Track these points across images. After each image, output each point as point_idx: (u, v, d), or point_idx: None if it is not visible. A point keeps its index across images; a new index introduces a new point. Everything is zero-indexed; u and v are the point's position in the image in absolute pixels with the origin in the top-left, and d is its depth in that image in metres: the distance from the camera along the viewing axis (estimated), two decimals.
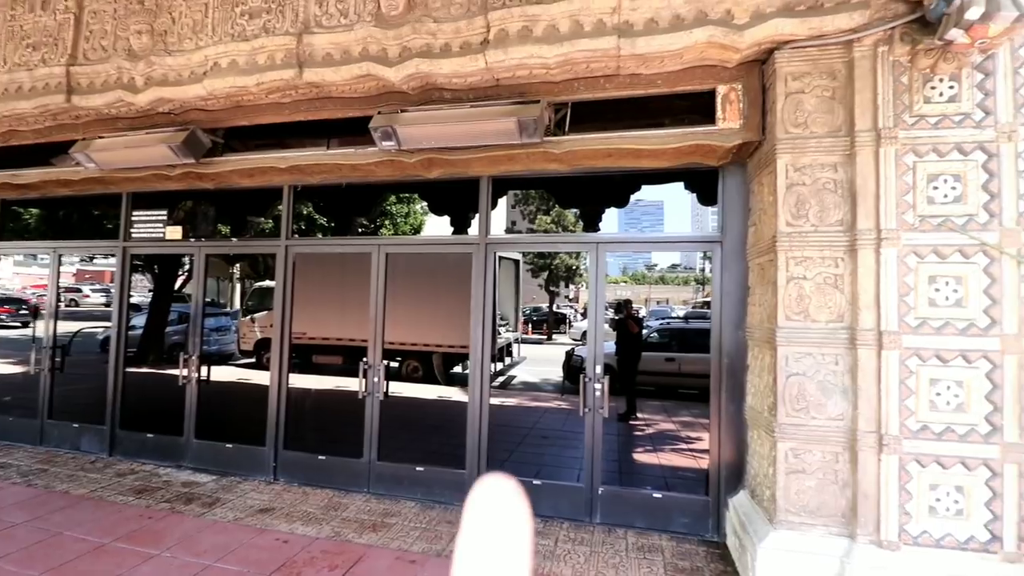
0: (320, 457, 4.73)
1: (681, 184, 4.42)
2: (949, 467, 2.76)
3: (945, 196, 2.85)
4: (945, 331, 2.80)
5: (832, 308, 3.00)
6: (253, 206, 5.44)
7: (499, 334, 11.63)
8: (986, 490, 2.73)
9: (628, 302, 8.85)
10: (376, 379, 4.61)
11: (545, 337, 20.81)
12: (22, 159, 5.42)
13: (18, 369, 6.47)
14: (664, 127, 3.74)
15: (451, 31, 3.61)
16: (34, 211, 6.49)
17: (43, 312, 5.86)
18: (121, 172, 4.90)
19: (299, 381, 5.06)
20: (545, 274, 21.94)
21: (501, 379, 11.67)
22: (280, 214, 5.05)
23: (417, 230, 13.92)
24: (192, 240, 5.35)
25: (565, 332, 24.69)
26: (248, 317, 12.49)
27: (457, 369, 8.51)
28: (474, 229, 4.59)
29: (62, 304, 6.07)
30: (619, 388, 7.49)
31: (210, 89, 4.13)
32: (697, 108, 3.67)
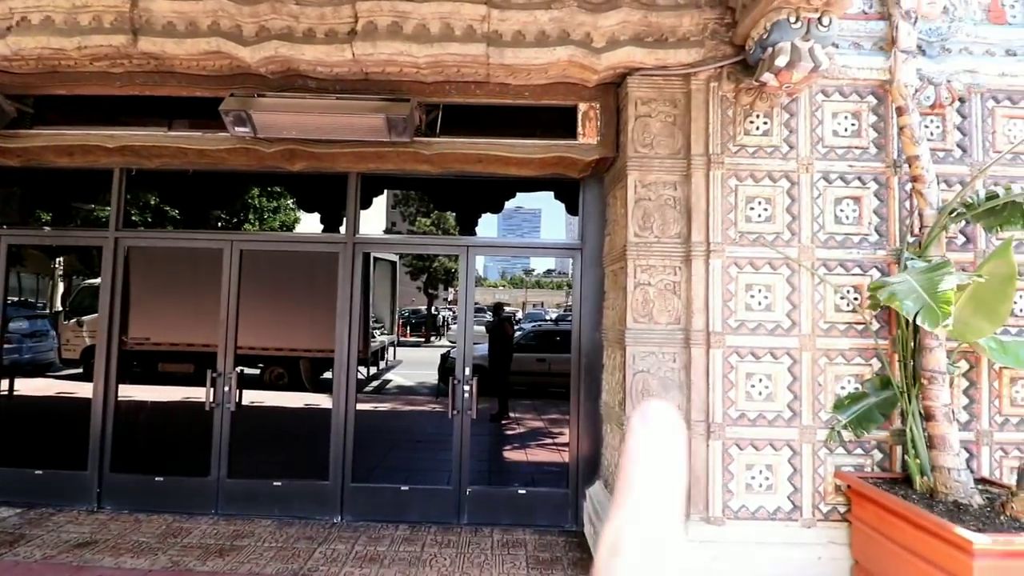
0: (157, 478, 4.19)
1: (551, 193, 4.63)
2: (761, 448, 3.22)
3: (759, 216, 3.32)
4: (758, 332, 3.26)
5: (671, 311, 3.34)
6: (76, 191, 4.67)
7: (374, 337, 11.27)
8: (789, 467, 3.22)
9: (501, 305, 9.09)
10: (227, 388, 4.20)
11: (424, 340, 20.63)
12: None
13: None
14: (531, 137, 3.89)
15: (316, 16, 3.41)
16: None
17: None
18: None
19: (136, 392, 4.46)
20: (424, 276, 21.75)
21: (375, 383, 11.31)
22: (109, 201, 4.39)
23: (288, 227, 12.96)
24: None
25: (443, 335, 24.65)
26: (74, 320, 10.70)
27: (327, 375, 8.06)
28: (344, 228, 4.39)
29: None
30: (493, 389, 7.70)
31: (15, 48, 3.46)
32: (561, 122, 3.87)
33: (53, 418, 4.74)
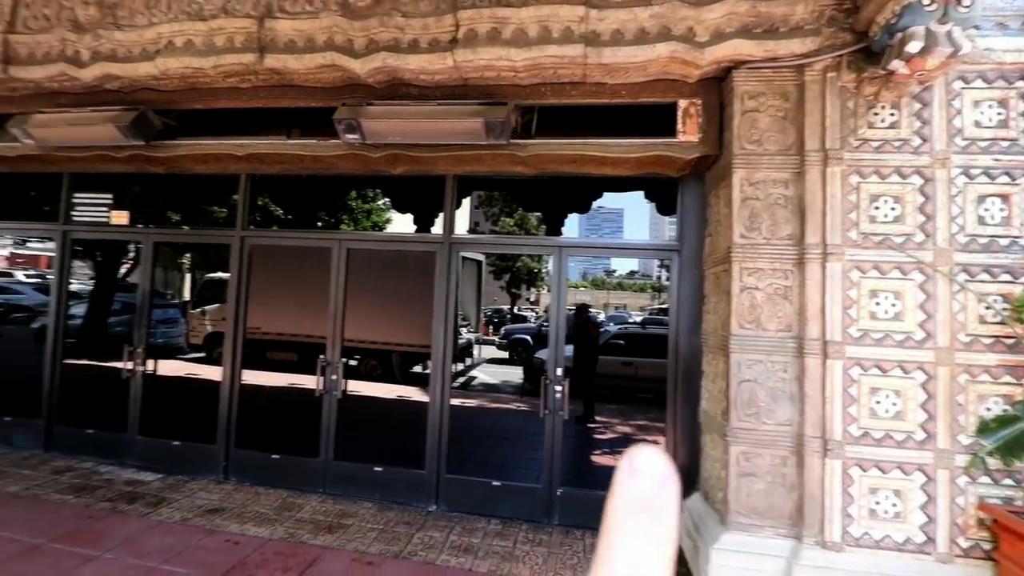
0: (274, 456, 4.60)
1: (641, 193, 4.51)
2: (888, 472, 2.94)
3: (886, 216, 3.02)
4: (885, 343, 2.97)
5: (782, 318, 3.13)
6: (207, 194, 5.21)
7: (460, 334, 11.60)
8: (921, 494, 2.92)
9: (586, 306, 8.98)
10: (334, 376, 4.52)
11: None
12: None
13: None
14: (627, 136, 3.80)
15: (419, 27, 3.56)
16: None
17: None
18: (62, 151, 4.61)
19: (253, 377, 4.91)
20: (507, 276, 22.06)
21: (461, 380, 11.66)
22: (236, 203, 4.87)
23: (380, 227, 13.68)
24: (140, 226, 5.09)
25: None
26: (198, 310, 12.00)
27: (417, 369, 8.43)
28: (438, 228, 4.55)
29: None
30: (577, 391, 7.65)
31: (163, 68, 3.92)
32: (659, 120, 3.74)
33: (184, 395, 5.33)
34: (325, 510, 4.19)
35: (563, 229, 4.81)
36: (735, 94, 3.35)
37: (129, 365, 4.95)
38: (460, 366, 12.08)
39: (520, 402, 9.14)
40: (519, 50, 3.42)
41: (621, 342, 10.28)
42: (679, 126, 3.64)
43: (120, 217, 5.02)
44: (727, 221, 3.36)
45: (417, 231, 4.84)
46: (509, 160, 4.05)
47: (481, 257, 14.11)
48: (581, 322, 8.13)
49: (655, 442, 4.41)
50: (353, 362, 5.08)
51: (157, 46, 3.94)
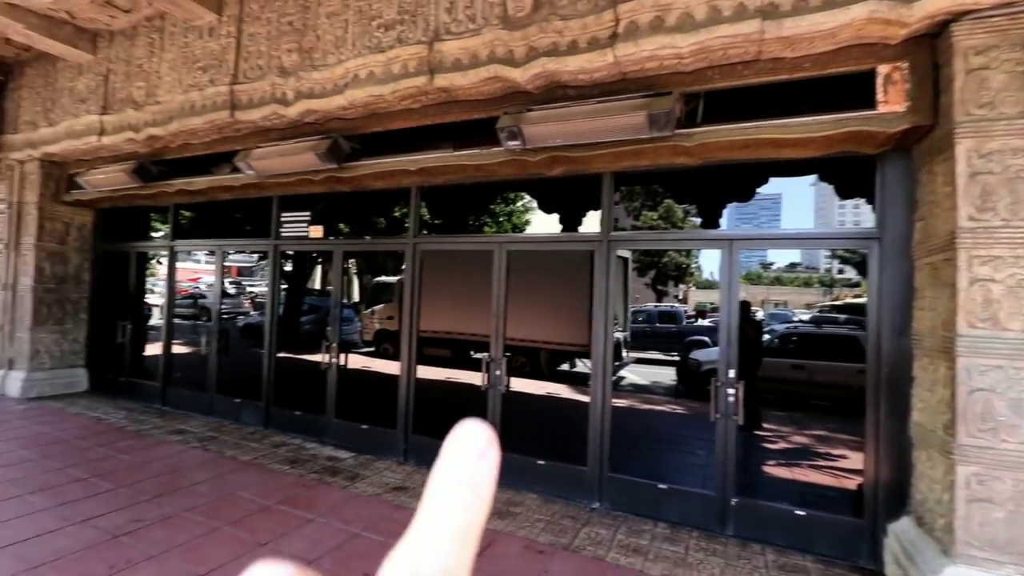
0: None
1: (812, 177, 4.04)
2: None
3: None
4: None
5: None
6: (384, 207, 5.81)
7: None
8: None
9: (747, 304, 8.37)
10: (498, 372, 4.76)
11: None
12: (191, 169, 6.27)
13: (189, 350, 7.54)
14: (811, 114, 3.42)
15: (578, 27, 3.57)
16: (185, 213, 7.49)
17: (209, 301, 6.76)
18: (273, 178, 5.48)
19: (423, 372, 5.37)
20: (652, 272, 21.24)
21: (611, 379, 11.56)
22: (400, 213, 5.36)
23: (520, 228, 14.08)
24: (331, 238, 5.86)
25: None
26: (368, 310, 13.52)
27: (564, 366, 8.57)
28: (590, 226, 4.55)
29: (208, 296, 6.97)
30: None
31: (350, 99, 4.45)
32: (851, 92, 3.31)
33: (368, 385, 6.04)
34: (496, 497, 4.43)
35: (721, 220, 4.57)
36: (955, 51, 2.83)
37: (326, 358, 5.72)
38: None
39: (676, 404, 8.79)
40: (685, 35, 3.26)
41: (790, 343, 9.34)
42: (879, 96, 3.18)
43: (316, 231, 5.84)
44: (948, 201, 2.86)
45: (563, 230, 4.90)
46: (671, 152, 3.90)
47: (627, 254, 13.88)
48: (740, 322, 7.56)
49: (839, 455, 3.95)
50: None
51: (345, 80, 4.48)
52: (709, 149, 3.79)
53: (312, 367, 5.89)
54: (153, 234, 8.00)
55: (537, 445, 4.72)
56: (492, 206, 11.97)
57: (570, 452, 4.50)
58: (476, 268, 5.06)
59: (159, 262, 9.33)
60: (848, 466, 3.71)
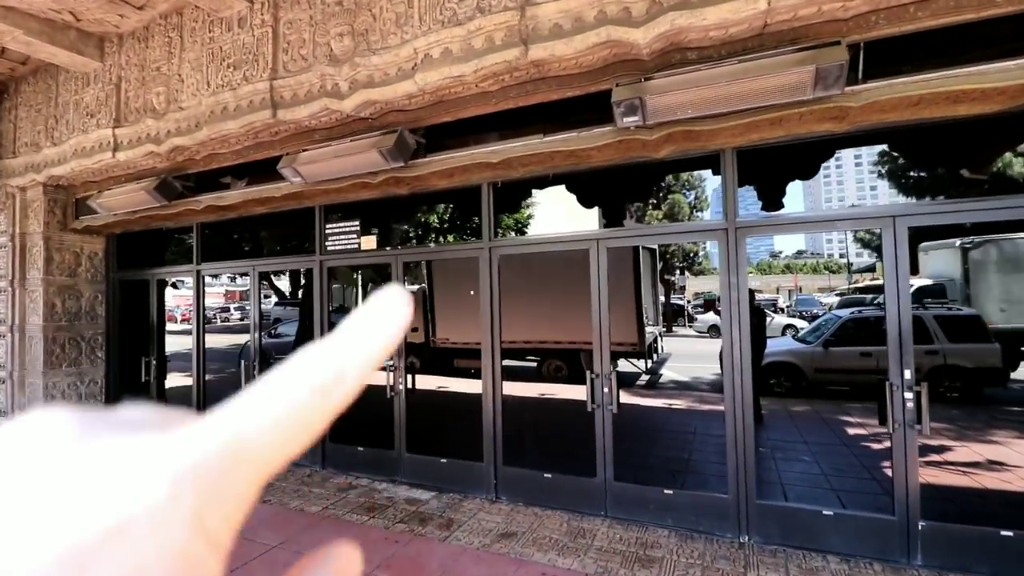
0: (546, 475, 4.34)
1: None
2: None
3: None
4: None
5: None
6: (450, 208, 5.16)
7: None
8: None
9: (752, 292, 7.96)
10: (606, 389, 4.12)
11: (665, 330, 19.71)
12: (213, 184, 5.60)
13: (221, 380, 6.82)
14: (1011, 58, 2.84)
15: None
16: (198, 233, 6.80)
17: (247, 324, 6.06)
18: (321, 185, 4.82)
19: (510, 389, 4.72)
20: (659, 263, 20.85)
21: (647, 378, 10.92)
22: (480, 214, 4.72)
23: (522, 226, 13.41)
24: (388, 249, 5.20)
25: (684, 325, 23.31)
26: None
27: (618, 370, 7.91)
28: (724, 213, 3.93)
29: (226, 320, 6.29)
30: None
31: (422, 84, 3.81)
32: None
33: (437, 408, 5.36)
34: (620, 538, 3.79)
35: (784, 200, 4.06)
36: None
37: (391, 383, 5.04)
38: (647, 363, 11.39)
39: (801, 406, 8.10)
40: None
41: (855, 332, 8.76)
42: None
43: (369, 242, 5.17)
44: None
45: (606, 225, 4.29)
46: (821, 116, 3.30)
47: (655, 246, 13.28)
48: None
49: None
50: (532, 364, 4.71)
51: (413, 62, 3.84)
52: (871, 110, 3.20)
53: (372, 392, 5.21)
54: (171, 257, 7.30)
55: (656, 470, 4.09)
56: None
57: (701, 478, 3.87)
58: (557, 270, 4.44)
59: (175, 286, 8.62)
60: None
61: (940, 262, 10.76)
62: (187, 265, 6.36)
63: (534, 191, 5.25)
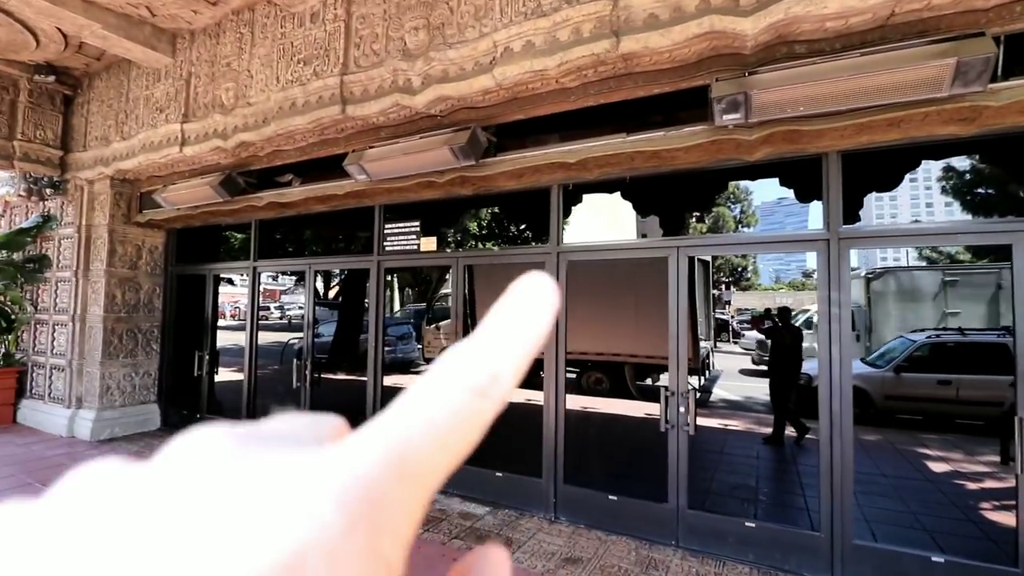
0: (611, 497, 4.06)
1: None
2: None
3: None
4: None
5: None
6: (516, 211, 4.99)
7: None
8: None
9: (788, 310, 7.47)
10: (682, 408, 3.83)
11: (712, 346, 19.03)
12: (271, 181, 5.58)
13: (271, 377, 6.79)
14: None
15: None
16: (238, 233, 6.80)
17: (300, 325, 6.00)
18: (384, 183, 4.71)
19: (572, 403, 4.47)
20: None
21: (700, 395, 10.46)
22: (548, 217, 4.51)
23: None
24: (448, 251, 5.04)
25: (729, 341, 22.53)
26: (433, 326, 12.70)
27: (647, 381, 7.58)
28: (815, 221, 3.62)
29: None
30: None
31: (500, 78, 3.64)
32: None
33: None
34: (697, 572, 3.47)
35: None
36: None
37: None
38: (700, 380, 10.94)
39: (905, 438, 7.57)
40: None
41: (932, 356, 8.15)
42: None
43: (429, 243, 5.02)
44: None
45: (665, 235, 3.99)
46: (948, 117, 2.97)
47: (708, 258, 12.82)
48: (780, 328, 7.00)
49: None
50: (571, 375, 4.41)
51: (491, 56, 3.68)
52: (1011, 111, 2.85)
53: None
54: (227, 253, 7.36)
55: (727, 498, 3.77)
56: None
57: (777, 510, 3.53)
58: (599, 279, 4.18)
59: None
60: None
61: (853, 290, 10.92)
62: (244, 262, 6.37)
63: (601, 195, 5.02)
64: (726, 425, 8.01)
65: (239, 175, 5.53)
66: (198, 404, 6.64)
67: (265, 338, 7.49)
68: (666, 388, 3.89)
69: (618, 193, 4.56)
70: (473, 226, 5.89)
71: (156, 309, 6.99)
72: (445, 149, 3.96)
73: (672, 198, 4.49)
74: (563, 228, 4.43)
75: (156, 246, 7.00)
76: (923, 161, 3.70)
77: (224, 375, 7.37)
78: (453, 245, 5.44)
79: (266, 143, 5.03)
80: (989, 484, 5.28)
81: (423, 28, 4.01)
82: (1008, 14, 2.71)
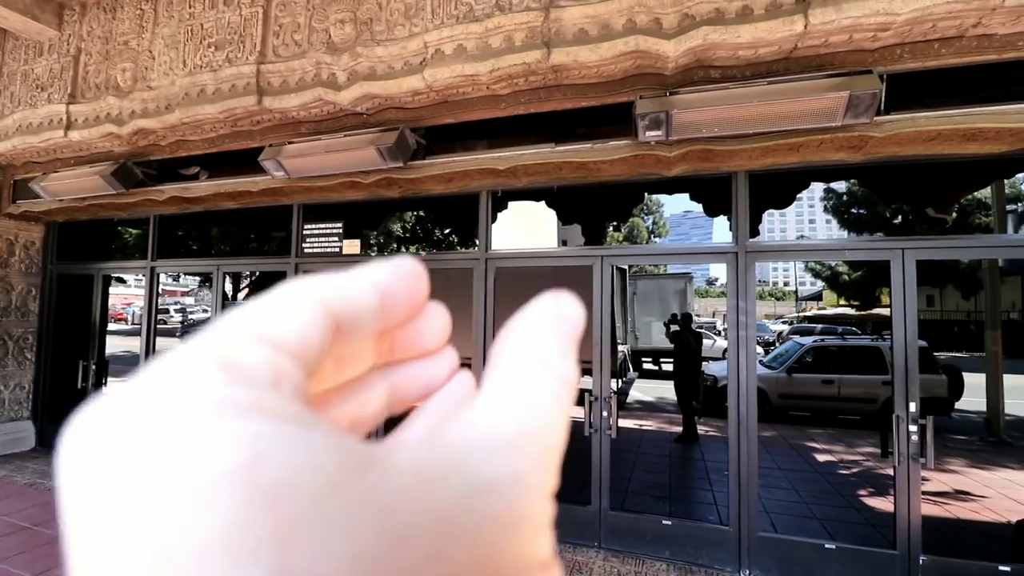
0: None
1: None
2: None
3: None
4: None
5: None
6: (445, 216, 4.90)
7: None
8: None
9: (688, 315, 8.15)
10: (605, 412, 3.94)
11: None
12: (172, 174, 5.13)
13: None
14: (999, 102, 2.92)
15: None
16: (135, 230, 6.24)
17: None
18: (304, 182, 4.47)
19: None
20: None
21: (618, 398, 10.88)
22: (477, 222, 4.49)
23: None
24: (373, 254, 4.87)
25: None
26: None
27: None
28: (723, 236, 3.87)
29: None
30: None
31: (431, 80, 3.58)
32: None
33: None
34: (618, 572, 3.58)
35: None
36: None
37: None
38: (618, 382, 11.36)
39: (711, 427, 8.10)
40: (905, 0, 2.66)
41: (816, 359, 9.01)
42: None
43: (352, 246, 4.82)
44: None
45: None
46: (840, 145, 3.30)
47: (625, 266, 13.36)
48: (683, 333, 7.54)
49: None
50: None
51: (422, 57, 3.62)
52: (890, 142, 3.21)
53: None
54: (120, 251, 6.64)
55: (644, 497, 3.94)
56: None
57: (688, 505, 3.75)
58: (558, 283, 4.24)
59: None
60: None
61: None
62: (140, 261, 5.77)
63: (529, 203, 5.08)
64: (641, 425, 8.39)
65: (136, 165, 5.01)
66: None
67: (165, 344, 6.85)
68: (590, 392, 3.99)
69: (543, 202, 4.65)
70: (399, 229, 5.74)
71: (31, 313, 6.16)
72: (371, 149, 3.82)
73: (594, 208, 4.64)
74: (491, 234, 4.42)
75: (33, 241, 6.18)
76: (812, 183, 4.10)
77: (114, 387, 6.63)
78: (378, 248, 5.27)
79: (169, 132, 4.60)
80: (868, 475, 5.91)
81: (350, 22, 3.86)
82: (891, 55, 3.06)
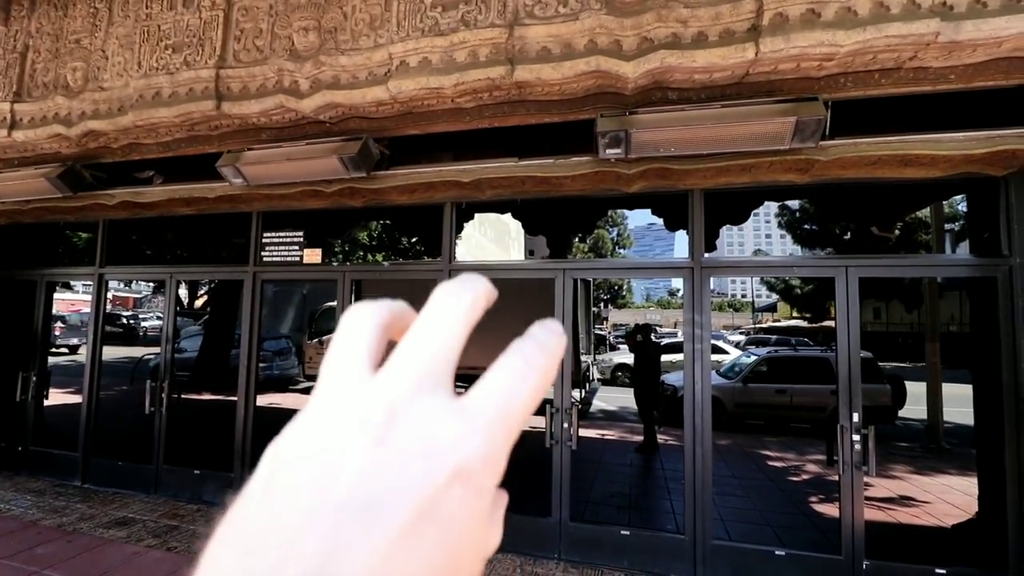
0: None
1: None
2: None
3: None
4: None
5: None
6: (410, 226, 4.89)
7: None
8: None
9: (648, 326, 8.37)
10: (566, 424, 3.98)
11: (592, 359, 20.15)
12: (125, 178, 4.95)
13: (115, 393, 5.94)
14: (953, 130, 3.14)
15: (708, 17, 3.04)
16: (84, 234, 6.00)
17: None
18: (264, 189, 4.39)
19: None
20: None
21: (581, 408, 10.98)
22: (441, 233, 4.49)
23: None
24: (335, 264, 4.80)
25: (605, 353, 23.99)
26: (315, 340, 11.95)
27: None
28: (685, 249, 3.99)
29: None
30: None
31: (395, 91, 3.58)
32: (994, 107, 3.08)
33: None
34: None
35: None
36: None
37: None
38: (581, 392, 11.46)
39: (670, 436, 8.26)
40: (847, 32, 2.83)
41: (770, 369, 9.34)
42: None
43: (313, 255, 4.75)
44: None
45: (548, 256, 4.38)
46: (788, 167, 3.47)
47: (591, 278, 13.55)
48: (643, 343, 7.70)
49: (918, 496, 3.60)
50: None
51: (387, 68, 3.62)
52: (831, 166, 3.40)
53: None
54: (66, 257, 6.33)
55: (604, 507, 3.99)
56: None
57: (646, 515, 3.82)
58: (522, 294, 4.29)
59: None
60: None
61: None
62: (88, 267, 5.52)
63: (493, 215, 5.11)
64: (603, 435, 8.48)
65: (85, 168, 4.81)
66: (22, 434, 5.58)
67: (113, 354, 6.58)
68: (551, 404, 4.02)
69: (509, 214, 4.69)
70: (364, 237, 5.68)
71: None
72: (334, 158, 3.79)
73: (559, 220, 4.71)
74: (455, 245, 4.43)
75: None
76: (766, 201, 4.29)
77: (58, 398, 6.31)
78: (340, 257, 5.20)
79: (122, 134, 4.44)
80: (817, 482, 6.13)
81: (313, 30, 3.83)
82: (835, 84, 3.23)
